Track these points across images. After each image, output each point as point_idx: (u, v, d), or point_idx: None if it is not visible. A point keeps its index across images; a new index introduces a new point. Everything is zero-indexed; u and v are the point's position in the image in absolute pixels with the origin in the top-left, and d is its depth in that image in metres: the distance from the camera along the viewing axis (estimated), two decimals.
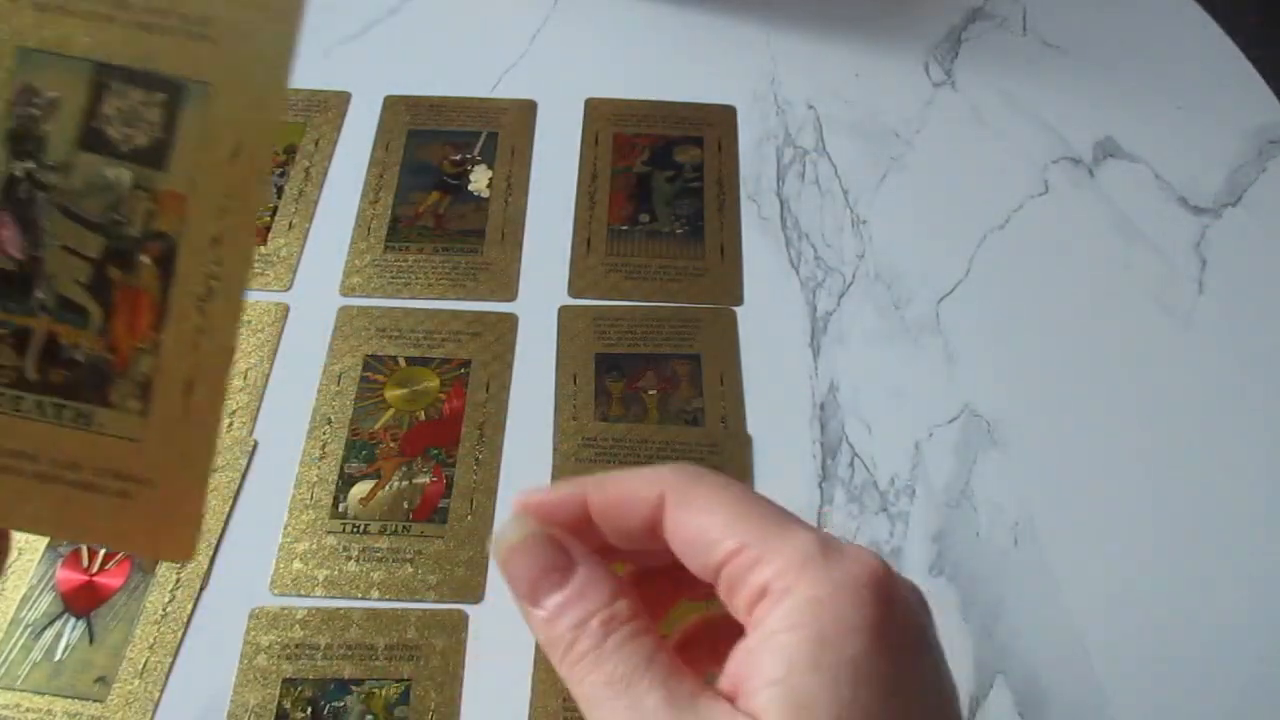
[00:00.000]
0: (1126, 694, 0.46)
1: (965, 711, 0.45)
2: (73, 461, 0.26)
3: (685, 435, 0.53)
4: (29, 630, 0.45)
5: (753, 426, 0.53)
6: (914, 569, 0.49)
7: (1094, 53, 0.73)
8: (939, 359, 0.57)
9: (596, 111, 0.68)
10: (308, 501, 0.50)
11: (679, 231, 0.61)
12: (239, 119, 0.25)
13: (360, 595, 0.47)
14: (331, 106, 0.67)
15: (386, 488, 0.50)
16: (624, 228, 0.61)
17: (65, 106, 0.25)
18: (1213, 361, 0.57)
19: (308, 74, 0.68)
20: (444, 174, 0.64)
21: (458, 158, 0.64)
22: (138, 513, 0.26)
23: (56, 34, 0.25)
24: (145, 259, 0.26)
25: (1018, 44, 0.73)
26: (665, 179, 0.64)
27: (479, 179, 0.63)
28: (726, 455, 0.52)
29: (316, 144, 0.65)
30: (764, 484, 0.51)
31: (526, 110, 0.67)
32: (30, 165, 0.25)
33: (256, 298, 0.57)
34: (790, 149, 0.66)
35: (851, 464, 0.53)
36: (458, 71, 0.69)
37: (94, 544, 0.27)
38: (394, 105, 0.67)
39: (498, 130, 0.66)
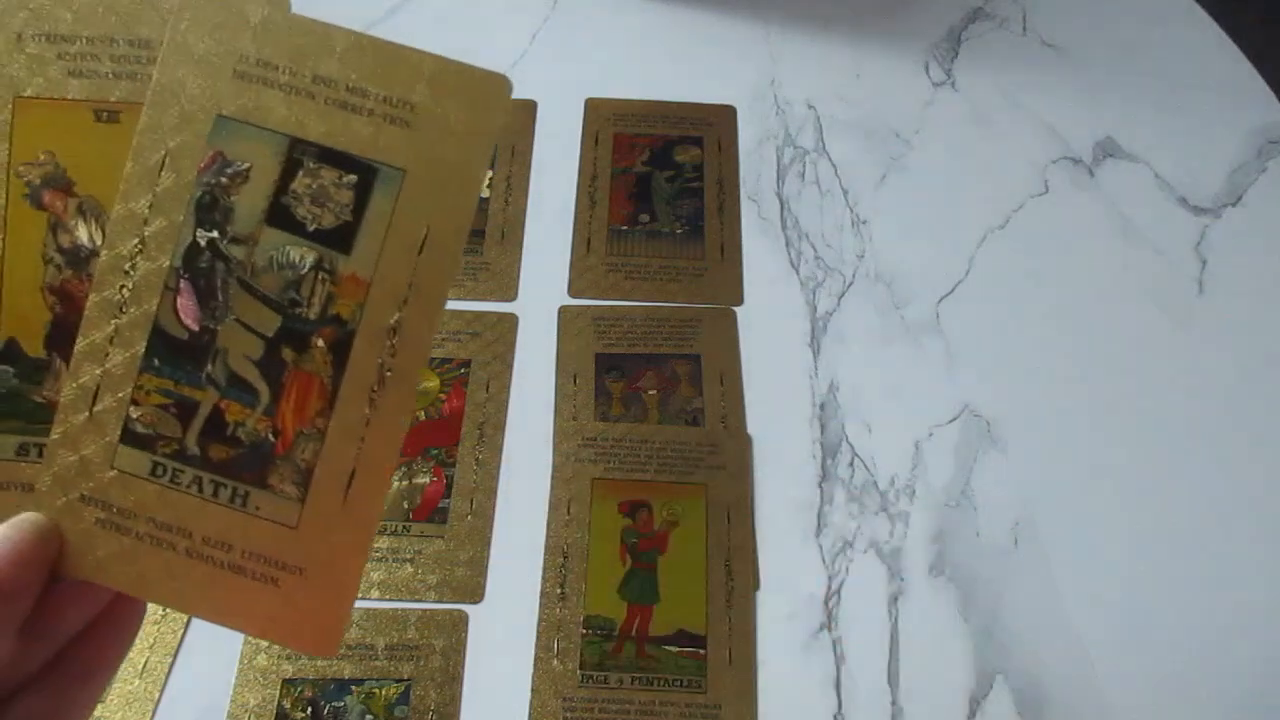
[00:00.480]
0: (1126, 694, 0.46)
1: (965, 711, 0.45)
2: (224, 541, 0.25)
3: (685, 435, 0.53)
4: None
5: (753, 426, 0.53)
6: (914, 569, 0.49)
7: (1094, 53, 0.73)
8: (939, 359, 0.57)
9: (596, 111, 0.68)
10: None
11: (679, 231, 0.61)
12: (430, 209, 0.25)
13: (360, 595, 0.47)
14: None
15: None
16: (624, 228, 0.61)
17: (256, 178, 0.25)
18: (1213, 361, 0.57)
19: None
20: None
21: None
22: (284, 601, 0.25)
23: (255, 104, 0.24)
24: (319, 342, 0.25)
25: (1018, 44, 0.73)
26: (665, 179, 0.64)
27: None
28: (726, 455, 0.52)
29: None
30: (764, 484, 0.51)
31: (526, 110, 0.67)
32: (213, 235, 0.25)
33: None
34: (790, 149, 0.66)
35: (851, 464, 0.53)
36: None
37: (234, 628, 0.27)
38: None
39: None
